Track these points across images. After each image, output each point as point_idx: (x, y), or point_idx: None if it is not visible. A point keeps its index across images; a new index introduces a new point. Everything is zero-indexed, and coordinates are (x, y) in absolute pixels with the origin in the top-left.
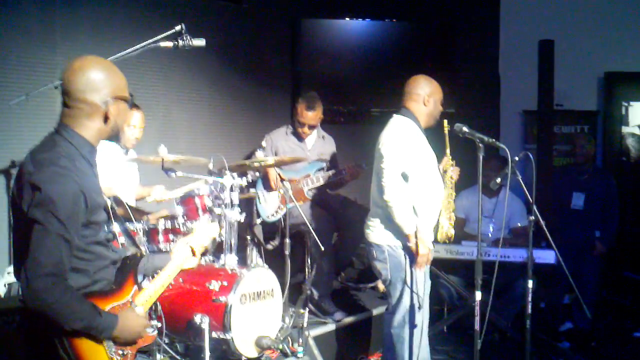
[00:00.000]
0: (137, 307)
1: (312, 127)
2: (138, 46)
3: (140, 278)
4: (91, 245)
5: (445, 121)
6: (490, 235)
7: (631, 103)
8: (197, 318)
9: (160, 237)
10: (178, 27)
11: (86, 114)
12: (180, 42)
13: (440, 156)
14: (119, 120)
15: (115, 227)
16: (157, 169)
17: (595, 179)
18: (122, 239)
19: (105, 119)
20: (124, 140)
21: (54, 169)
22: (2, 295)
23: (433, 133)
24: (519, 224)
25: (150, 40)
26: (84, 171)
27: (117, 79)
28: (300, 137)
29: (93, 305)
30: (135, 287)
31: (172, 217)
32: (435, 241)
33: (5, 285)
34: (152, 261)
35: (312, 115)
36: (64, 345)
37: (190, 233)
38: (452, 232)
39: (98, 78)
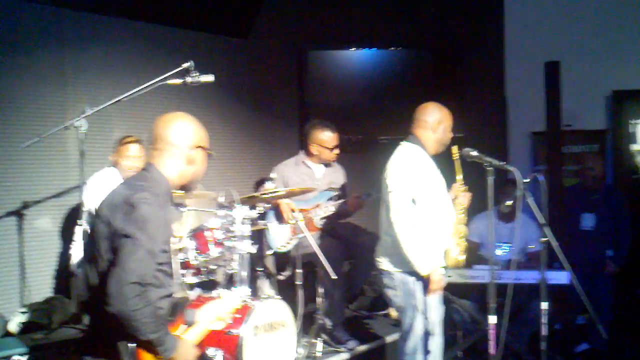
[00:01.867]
0: None
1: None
2: (147, 84)
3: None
4: (159, 272)
5: (455, 147)
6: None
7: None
8: (210, 351)
9: None
10: (187, 65)
11: (171, 154)
12: (189, 79)
13: (452, 182)
14: (199, 167)
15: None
16: None
17: (606, 198)
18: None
19: (188, 162)
20: (121, 171)
21: (148, 194)
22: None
23: (445, 159)
24: (531, 246)
25: (159, 78)
26: (163, 205)
27: (201, 133)
28: (328, 163)
29: (164, 323)
30: (182, 327)
31: (184, 251)
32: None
33: (18, 324)
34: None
35: (337, 136)
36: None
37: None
38: (461, 257)
39: (186, 127)
